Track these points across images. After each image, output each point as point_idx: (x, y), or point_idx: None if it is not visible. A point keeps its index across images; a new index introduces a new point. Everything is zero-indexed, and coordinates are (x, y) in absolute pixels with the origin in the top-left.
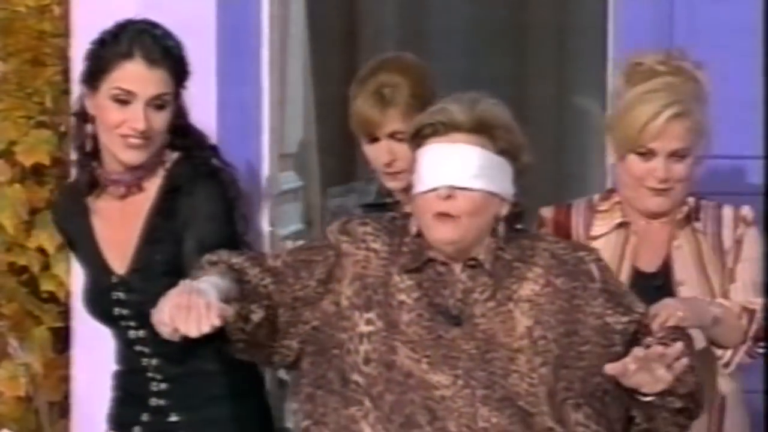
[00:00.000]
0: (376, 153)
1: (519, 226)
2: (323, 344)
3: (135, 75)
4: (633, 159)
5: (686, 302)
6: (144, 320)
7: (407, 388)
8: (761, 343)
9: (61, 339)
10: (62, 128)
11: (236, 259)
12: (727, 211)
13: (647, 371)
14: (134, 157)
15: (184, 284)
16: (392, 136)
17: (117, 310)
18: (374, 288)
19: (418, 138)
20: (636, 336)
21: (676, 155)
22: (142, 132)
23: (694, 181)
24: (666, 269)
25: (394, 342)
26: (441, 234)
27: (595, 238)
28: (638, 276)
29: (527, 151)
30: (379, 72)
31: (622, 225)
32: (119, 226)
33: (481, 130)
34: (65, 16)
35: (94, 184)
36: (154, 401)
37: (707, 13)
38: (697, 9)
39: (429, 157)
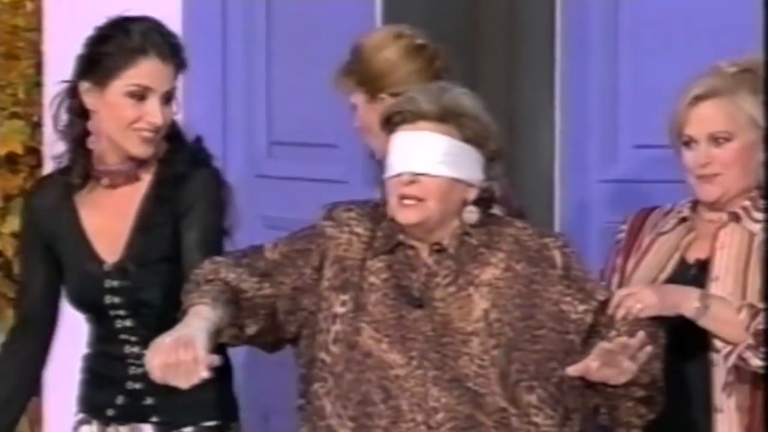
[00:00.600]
0: None
1: (493, 212)
2: (315, 327)
3: (151, 71)
4: (682, 151)
5: (659, 289)
6: (135, 309)
7: (365, 367)
8: (762, 349)
9: None
10: (35, 119)
11: (232, 275)
12: None
13: (612, 365)
14: (147, 150)
15: (175, 336)
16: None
17: (108, 299)
18: (351, 270)
19: (388, 125)
20: (595, 326)
21: (715, 139)
22: (158, 126)
23: (750, 170)
24: (707, 263)
25: (360, 323)
26: (404, 217)
27: (663, 233)
28: (681, 266)
29: (496, 139)
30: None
31: (685, 219)
32: (110, 215)
33: (447, 118)
34: (38, 12)
35: (87, 177)
36: (130, 385)
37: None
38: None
39: (397, 143)
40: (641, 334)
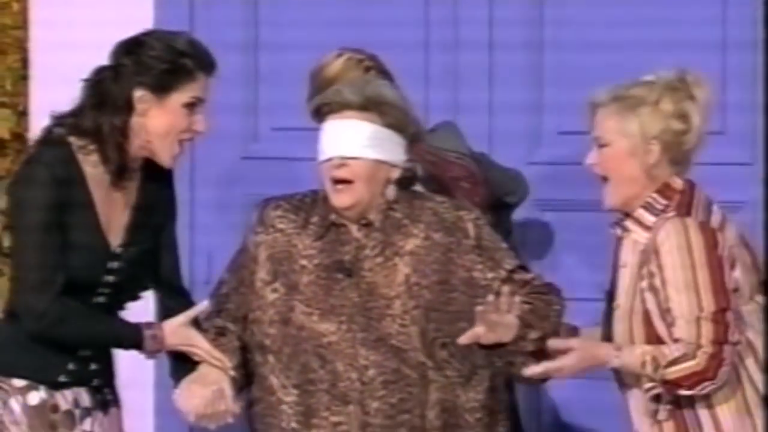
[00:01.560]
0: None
1: (414, 188)
2: (255, 322)
3: (206, 85)
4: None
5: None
6: (120, 288)
7: (300, 339)
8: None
9: None
10: (20, 108)
11: (222, 323)
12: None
13: (496, 324)
14: (173, 160)
15: (211, 389)
16: None
17: (105, 278)
18: (280, 261)
19: (318, 116)
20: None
21: (597, 143)
22: (200, 134)
23: (627, 178)
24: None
25: (292, 302)
26: (339, 201)
27: None
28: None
29: (414, 124)
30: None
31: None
32: (112, 202)
33: (370, 107)
34: (23, 11)
35: (125, 167)
36: (81, 352)
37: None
38: None
39: (326, 131)
40: (506, 289)
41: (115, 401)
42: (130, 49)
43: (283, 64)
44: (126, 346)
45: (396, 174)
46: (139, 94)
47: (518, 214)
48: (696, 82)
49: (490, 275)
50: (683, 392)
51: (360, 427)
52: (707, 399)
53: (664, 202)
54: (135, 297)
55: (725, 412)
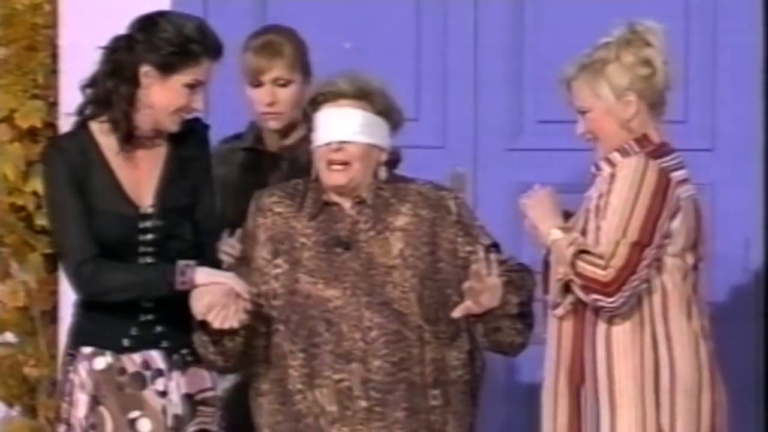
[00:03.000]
0: (260, 96)
1: (396, 172)
2: (263, 299)
3: (207, 69)
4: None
5: (543, 209)
6: (163, 245)
7: (307, 306)
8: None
9: (51, 262)
10: (51, 99)
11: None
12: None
13: (484, 292)
14: (177, 127)
15: (220, 290)
16: (275, 81)
17: (141, 237)
18: (280, 241)
19: (313, 105)
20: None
21: (579, 112)
22: (198, 111)
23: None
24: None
25: (297, 274)
26: (334, 179)
27: None
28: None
29: (399, 112)
30: (269, 32)
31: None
32: (135, 169)
33: (362, 96)
34: (54, 12)
35: (131, 134)
36: (142, 317)
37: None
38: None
39: (322, 118)
40: (479, 248)
41: (198, 361)
42: (144, 26)
43: None
44: (158, 287)
45: (384, 157)
46: (145, 69)
47: (501, 197)
48: (647, 29)
49: (468, 248)
50: (580, 293)
51: (361, 383)
52: (608, 321)
53: (637, 148)
54: (183, 254)
55: (620, 336)
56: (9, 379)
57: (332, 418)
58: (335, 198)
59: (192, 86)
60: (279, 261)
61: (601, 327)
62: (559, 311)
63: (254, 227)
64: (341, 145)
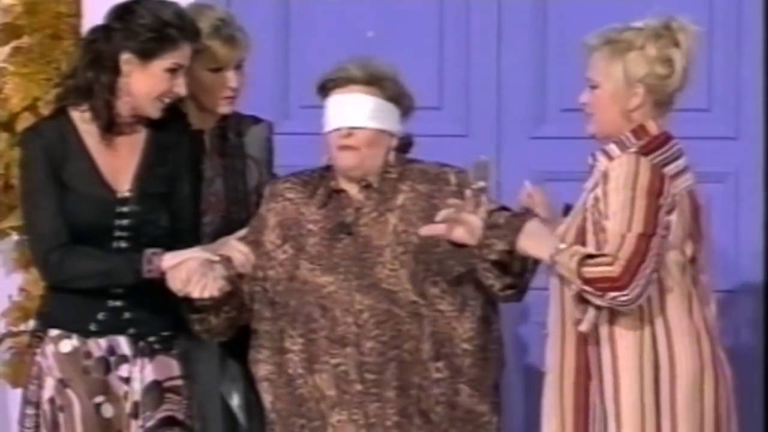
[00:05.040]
0: (223, 81)
1: (408, 156)
2: (267, 282)
3: (186, 53)
4: None
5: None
6: (137, 231)
7: (304, 293)
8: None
9: None
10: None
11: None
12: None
13: (459, 223)
14: (159, 113)
15: (196, 263)
16: (238, 66)
17: (117, 222)
18: (289, 226)
19: (324, 90)
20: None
21: (589, 83)
22: (181, 96)
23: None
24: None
25: (299, 261)
26: (343, 162)
27: None
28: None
29: (410, 98)
30: (230, 21)
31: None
32: (114, 155)
33: (373, 82)
34: (78, 1)
35: (113, 121)
36: (110, 303)
37: None
38: None
39: (333, 104)
40: (469, 192)
41: (166, 349)
42: (121, 14)
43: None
44: (125, 276)
45: (394, 142)
46: (125, 57)
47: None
48: (681, 28)
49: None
50: (596, 300)
51: (356, 366)
52: (609, 320)
53: (634, 141)
54: (158, 240)
55: (625, 345)
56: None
57: (332, 402)
58: (344, 185)
59: (173, 71)
60: (286, 247)
61: (604, 325)
62: (584, 326)
63: (266, 211)
64: (351, 131)
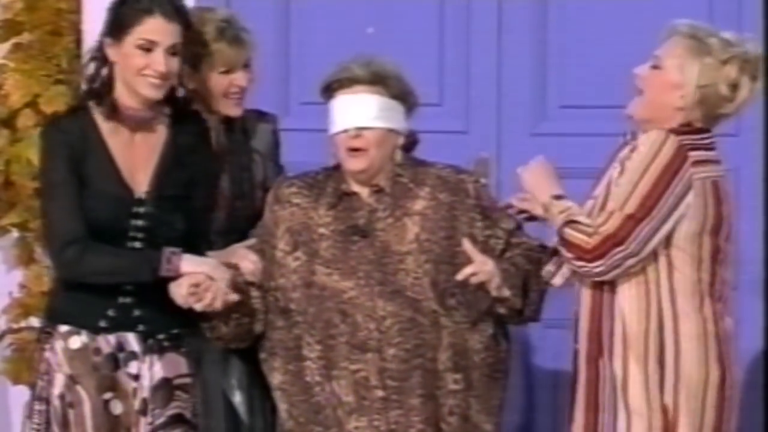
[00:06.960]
0: (231, 81)
1: (413, 155)
2: (279, 291)
3: (156, 28)
4: None
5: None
6: (152, 232)
7: (324, 299)
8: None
9: None
10: (75, 84)
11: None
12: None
13: (478, 273)
14: (155, 93)
15: (199, 277)
16: (246, 66)
17: (133, 222)
18: (299, 232)
19: (328, 92)
20: (505, 249)
21: (654, 61)
22: (162, 73)
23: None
24: None
25: (314, 266)
26: (353, 165)
27: None
28: None
29: (414, 95)
30: (234, 22)
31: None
32: (132, 155)
33: (377, 81)
34: None
35: (114, 111)
36: (120, 299)
37: None
38: None
39: (338, 105)
40: (498, 231)
41: (175, 347)
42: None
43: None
44: (143, 273)
45: (401, 141)
46: (107, 42)
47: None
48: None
49: (487, 232)
50: (565, 260)
51: (378, 372)
52: (622, 300)
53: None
54: (172, 243)
55: (629, 299)
56: (34, 363)
57: (350, 408)
58: (354, 187)
59: (145, 48)
60: (298, 253)
61: (618, 301)
62: (556, 280)
63: (272, 218)
64: (359, 132)
